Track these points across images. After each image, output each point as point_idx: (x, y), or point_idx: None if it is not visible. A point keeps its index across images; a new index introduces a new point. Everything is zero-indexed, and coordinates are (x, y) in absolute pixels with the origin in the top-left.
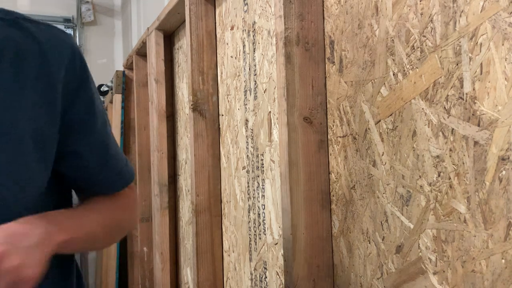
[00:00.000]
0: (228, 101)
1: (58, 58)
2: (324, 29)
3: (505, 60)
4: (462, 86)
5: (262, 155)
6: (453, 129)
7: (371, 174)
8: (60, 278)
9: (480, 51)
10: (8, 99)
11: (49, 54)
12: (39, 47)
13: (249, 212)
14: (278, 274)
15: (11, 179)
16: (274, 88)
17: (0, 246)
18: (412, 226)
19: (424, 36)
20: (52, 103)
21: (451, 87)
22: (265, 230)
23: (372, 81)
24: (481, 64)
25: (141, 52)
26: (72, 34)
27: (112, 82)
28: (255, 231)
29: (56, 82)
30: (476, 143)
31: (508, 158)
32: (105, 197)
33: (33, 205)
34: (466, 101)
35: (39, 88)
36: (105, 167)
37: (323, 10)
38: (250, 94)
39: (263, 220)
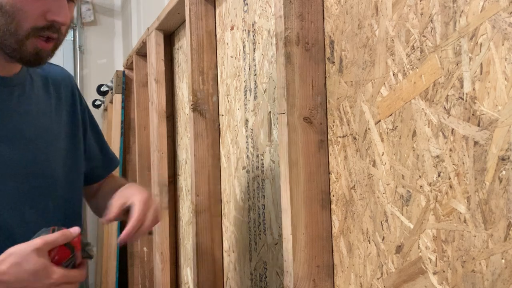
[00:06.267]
0: (228, 101)
1: (71, 84)
2: (324, 29)
3: (505, 60)
4: (462, 86)
5: (262, 155)
6: (453, 129)
7: (371, 174)
8: None
9: (480, 51)
10: (58, 114)
11: (70, 83)
12: (64, 79)
13: (249, 212)
14: (278, 274)
15: (76, 167)
16: (274, 88)
17: None
18: (412, 226)
19: (424, 36)
20: (76, 113)
21: (451, 87)
22: (265, 230)
23: (372, 81)
24: (481, 64)
25: (141, 52)
26: (72, 34)
27: (112, 82)
28: (255, 231)
29: (74, 100)
30: (476, 143)
31: (508, 158)
32: (110, 182)
33: (81, 184)
34: (466, 101)
35: (69, 105)
36: (104, 151)
37: (323, 10)
38: (250, 94)
39: (263, 220)
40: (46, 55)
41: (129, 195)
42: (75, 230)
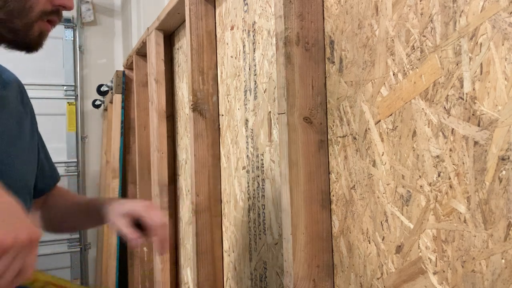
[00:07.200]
0: (228, 101)
1: (22, 90)
2: (324, 29)
3: (505, 60)
4: (462, 86)
5: (262, 155)
6: (453, 129)
7: (371, 174)
8: None
9: (480, 51)
10: (22, 114)
11: (21, 88)
12: (17, 83)
13: (249, 212)
14: (278, 274)
15: (32, 166)
16: (274, 88)
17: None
18: (412, 226)
19: (424, 36)
20: (32, 115)
21: (451, 87)
22: (265, 230)
23: (372, 81)
24: (481, 64)
25: (141, 52)
26: (72, 34)
27: (112, 82)
28: (255, 231)
29: (25, 104)
30: (476, 143)
31: (508, 158)
32: (65, 195)
33: (31, 189)
34: (466, 101)
35: (25, 105)
36: (49, 160)
37: (323, 10)
38: (250, 94)
39: (263, 220)
40: (45, 38)
41: (129, 208)
42: None
